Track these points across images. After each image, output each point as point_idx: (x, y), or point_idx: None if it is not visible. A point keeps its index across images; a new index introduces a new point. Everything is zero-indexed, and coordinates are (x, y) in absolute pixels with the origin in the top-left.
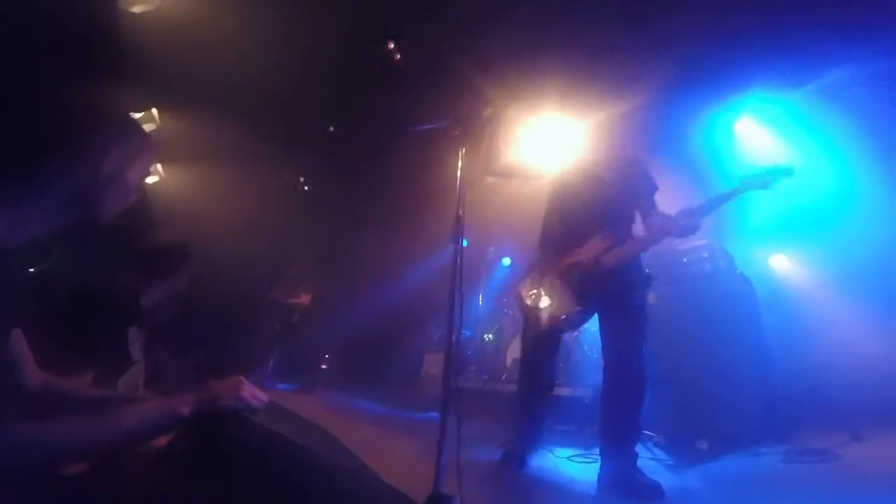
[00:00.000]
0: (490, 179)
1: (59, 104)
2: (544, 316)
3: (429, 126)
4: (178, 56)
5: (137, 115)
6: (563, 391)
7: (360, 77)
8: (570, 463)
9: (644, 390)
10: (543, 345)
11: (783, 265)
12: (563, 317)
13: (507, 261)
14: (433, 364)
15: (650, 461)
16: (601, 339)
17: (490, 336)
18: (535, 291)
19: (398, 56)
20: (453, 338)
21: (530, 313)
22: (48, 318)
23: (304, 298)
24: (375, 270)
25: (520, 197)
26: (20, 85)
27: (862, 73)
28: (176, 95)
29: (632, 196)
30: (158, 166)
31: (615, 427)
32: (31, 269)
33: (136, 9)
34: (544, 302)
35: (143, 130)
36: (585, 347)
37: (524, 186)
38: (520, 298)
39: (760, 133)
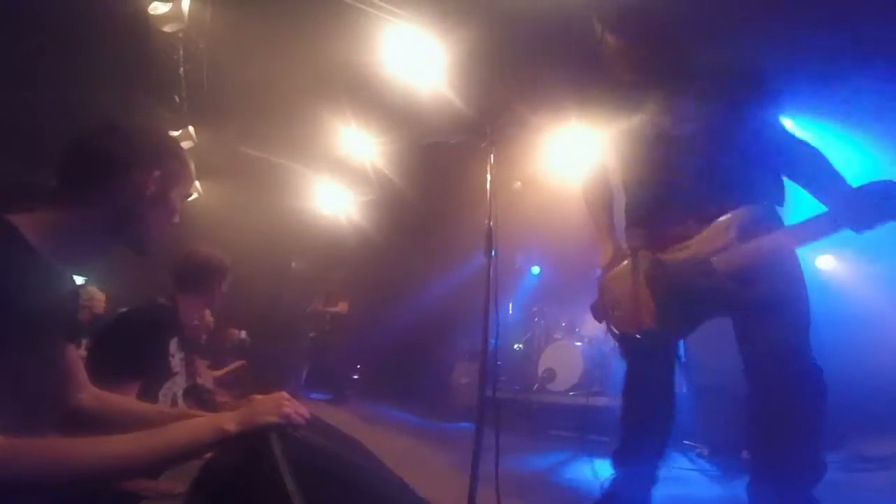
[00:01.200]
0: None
1: (107, 126)
2: (647, 322)
3: (456, 140)
4: (213, 71)
5: (175, 133)
6: (599, 401)
7: (390, 93)
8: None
9: (820, 382)
10: (653, 356)
11: (830, 266)
12: (674, 326)
13: (536, 269)
14: (463, 373)
15: (693, 472)
16: (741, 343)
17: (520, 345)
18: (629, 289)
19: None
20: (488, 347)
21: (626, 319)
22: (96, 333)
23: (342, 306)
24: (406, 281)
25: (548, 205)
26: (67, 108)
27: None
28: (212, 111)
29: (765, 139)
30: (197, 184)
31: (783, 445)
32: (81, 285)
33: (168, 28)
34: (645, 304)
35: (183, 151)
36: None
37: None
38: (609, 302)
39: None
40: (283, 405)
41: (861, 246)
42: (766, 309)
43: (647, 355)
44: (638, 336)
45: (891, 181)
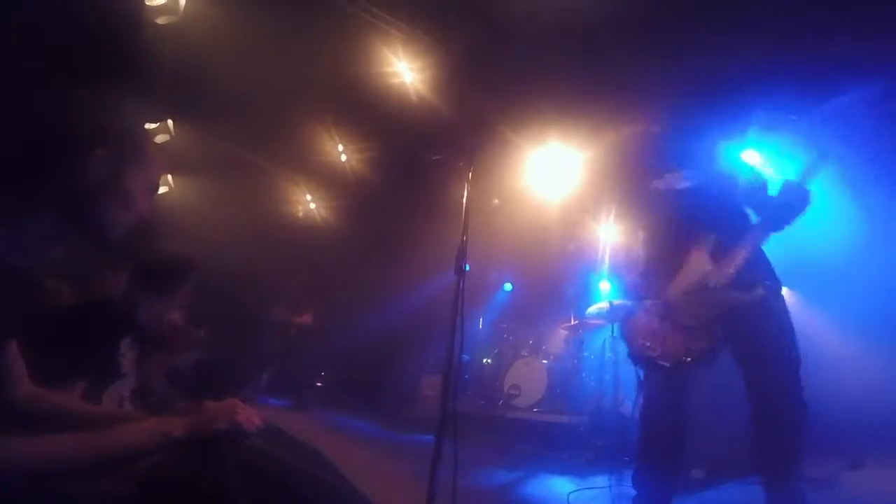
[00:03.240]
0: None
1: (50, 112)
2: (671, 354)
3: (435, 157)
4: (199, 68)
5: (152, 126)
6: (561, 418)
7: (373, 102)
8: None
9: (806, 412)
10: (673, 386)
11: (788, 298)
12: (694, 352)
13: (508, 286)
14: (430, 386)
15: None
16: (741, 366)
17: (489, 360)
18: (654, 329)
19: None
20: (454, 360)
21: (654, 353)
22: (41, 328)
23: (306, 317)
24: (376, 291)
25: (525, 223)
26: (13, 91)
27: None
28: (193, 107)
29: (734, 192)
30: (169, 177)
31: (780, 458)
32: (30, 281)
33: (161, 20)
34: (669, 339)
35: (137, 139)
36: (584, 374)
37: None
38: (638, 339)
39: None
40: (234, 412)
41: (816, 280)
42: (769, 354)
43: (671, 384)
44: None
45: (788, 181)
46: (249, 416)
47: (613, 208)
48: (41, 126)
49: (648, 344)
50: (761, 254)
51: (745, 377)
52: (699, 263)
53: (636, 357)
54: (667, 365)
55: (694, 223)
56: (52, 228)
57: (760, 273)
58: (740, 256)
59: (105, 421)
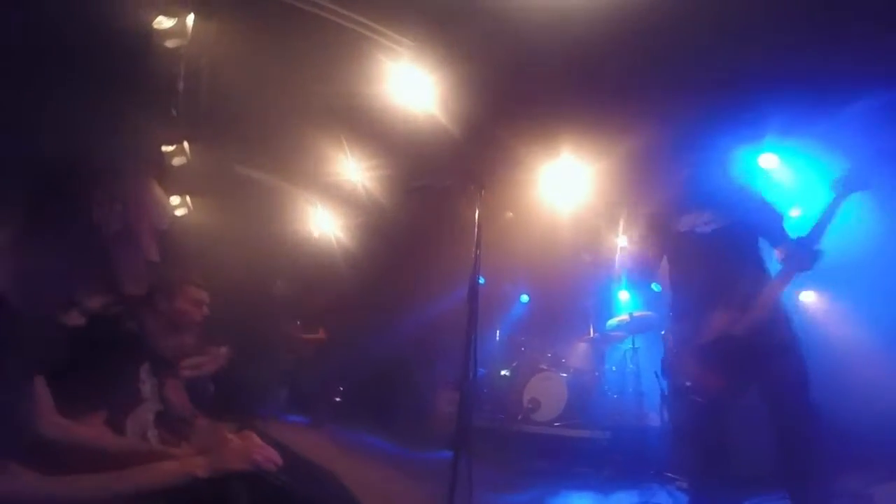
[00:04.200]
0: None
1: (66, 160)
2: (706, 391)
3: (447, 183)
4: (212, 90)
5: (170, 149)
6: (581, 433)
7: (385, 122)
8: None
9: (819, 431)
10: (712, 424)
11: (812, 301)
12: (727, 390)
13: (525, 298)
14: (446, 401)
15: None
16: (765, 398)
17: (506, 372)
18: (691, 370)
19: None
20: (470, 375)
21: (692, 392)
22: (65, 360)
23: (322, 334)
24: (393, 306)
25: (537, 234)
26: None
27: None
28: (208, 129)
29: (756, 235)
30: (187, 199)
31: (804, 474)
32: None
33: (170, 43)
34: (705, 378)
35: (152, 183)
36: (605, 387)
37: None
38: (678, 379)
39: (783, 171)
40: (253, 452)
41: (842, 284)
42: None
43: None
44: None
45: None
46: (268, 454)
47: (637, 240)
48: (54, 178)
49: (689, 384)
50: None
51: (767, 403)
52: (723, 316)
53: (676, 393)
54: (702, 401)
55: (717, 270)
56: (68, 275)
57: (780, 321)
58: (763, 307)
59: (129, 455)
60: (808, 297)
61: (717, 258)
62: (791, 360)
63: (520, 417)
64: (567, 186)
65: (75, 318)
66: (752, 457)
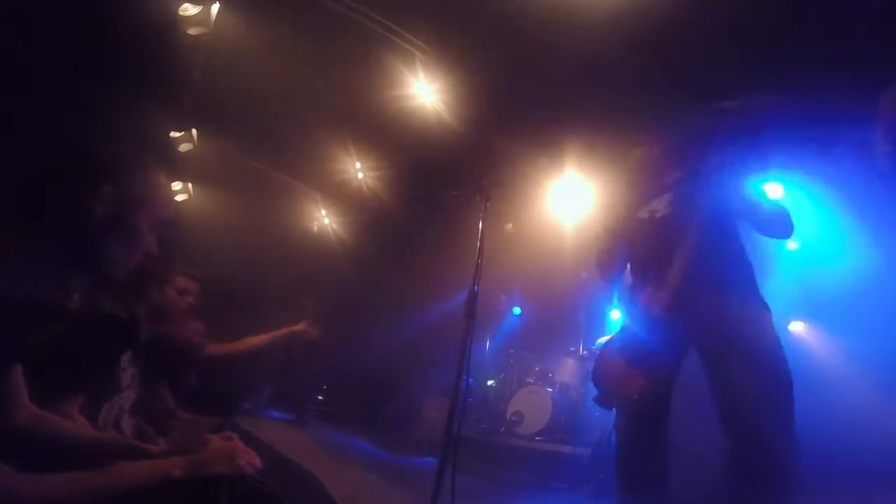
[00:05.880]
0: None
1: (61, 140)
2: (618, 395)
3: (454, 193)
4: (226, 80)
5: (177, 135)
6: (563, 448)
7: (392, 123)
8: None
9: (788, 478)
10: (630, 423)
11: (801, 331)
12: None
13: (517, 310)
14: (433, 408)
15: None
16: (713, 392)
17: (493, 382)
18: (607, 369)
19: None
20: (461, 384)
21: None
22: (42, 344)
23: (315, 331)
24: (385, 309)
25: (537, 248)
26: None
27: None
28: (218, 118)
29: (719, 217)
30: (189, 185)
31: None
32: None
33: (193, 31)
34: (619, 378)
35: (153, 170)
36: (589, 405)
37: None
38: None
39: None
40: (235, 456)
41: (833, 315)
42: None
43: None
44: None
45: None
46: (250, 458)
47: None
48: (49, 159)
49: (600, 388)
50: (744, 274)
51: (718, 405)
52: (647, 294)
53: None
54: (612, 406)
55: (660, 253)
56: (58, 262)
57: (736, 292)
58: (676, 277)
59: (104, 448)
60: (798, 328)
61: (664, 241)
62: (752, 371)
63: (503, 429)
64: (570, 202)
65: (62, 303)
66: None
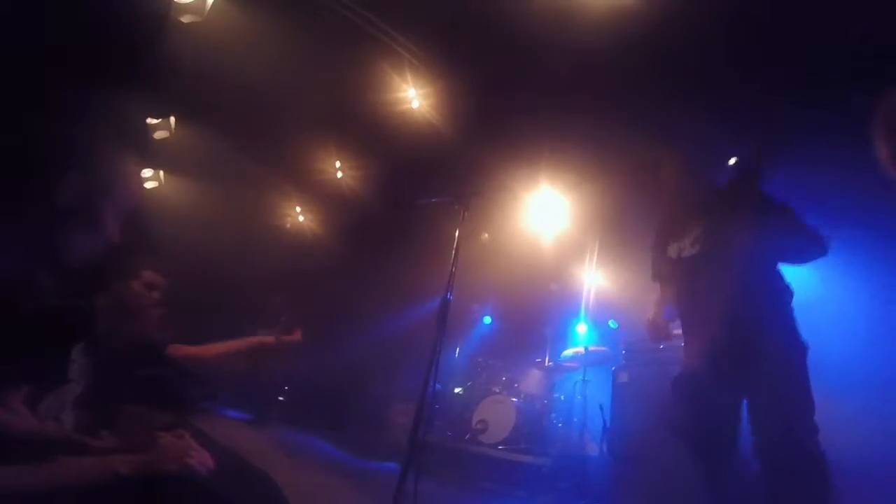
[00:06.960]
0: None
1: (25, 124)
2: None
3: (433, 200)
4: (210, 70)
5: (154, 121)
6: (524, 458)
7: (374, 124)
8: None
9: (826, 477)
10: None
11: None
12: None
13: (488, 319)
14: (400, 413)
15: None
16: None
17: (460, 390)
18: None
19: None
20: (429, 390)
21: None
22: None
23: (296, 335)
24: (354, 311)
25: (508, 258)
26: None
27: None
28: (197, 107)
29: (751, 252)
30: (160, 173)
31: None
32: None
33: (185, 18)
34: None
35: (119, 159)
36: (552, 416)
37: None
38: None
39: None
40: (187, 455)
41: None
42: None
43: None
44: None
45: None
46: (202, 457)
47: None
48: (9, 143)
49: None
50: (778, 316)
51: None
52: (697, 343)
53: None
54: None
55: (697, 295)
56: (12, 247)
57: (770, 333)
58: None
59: (46, 442)
60: None
61: (699, 282)
62: (781, 373)
63: (467, 437)
64: (545, 216)
65: (11, 289)
66: None
